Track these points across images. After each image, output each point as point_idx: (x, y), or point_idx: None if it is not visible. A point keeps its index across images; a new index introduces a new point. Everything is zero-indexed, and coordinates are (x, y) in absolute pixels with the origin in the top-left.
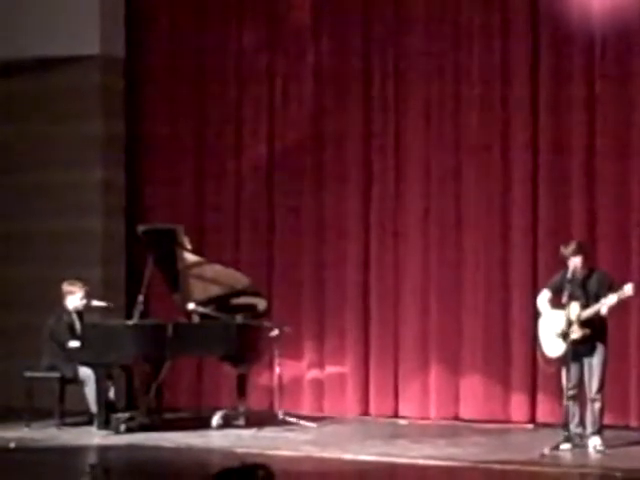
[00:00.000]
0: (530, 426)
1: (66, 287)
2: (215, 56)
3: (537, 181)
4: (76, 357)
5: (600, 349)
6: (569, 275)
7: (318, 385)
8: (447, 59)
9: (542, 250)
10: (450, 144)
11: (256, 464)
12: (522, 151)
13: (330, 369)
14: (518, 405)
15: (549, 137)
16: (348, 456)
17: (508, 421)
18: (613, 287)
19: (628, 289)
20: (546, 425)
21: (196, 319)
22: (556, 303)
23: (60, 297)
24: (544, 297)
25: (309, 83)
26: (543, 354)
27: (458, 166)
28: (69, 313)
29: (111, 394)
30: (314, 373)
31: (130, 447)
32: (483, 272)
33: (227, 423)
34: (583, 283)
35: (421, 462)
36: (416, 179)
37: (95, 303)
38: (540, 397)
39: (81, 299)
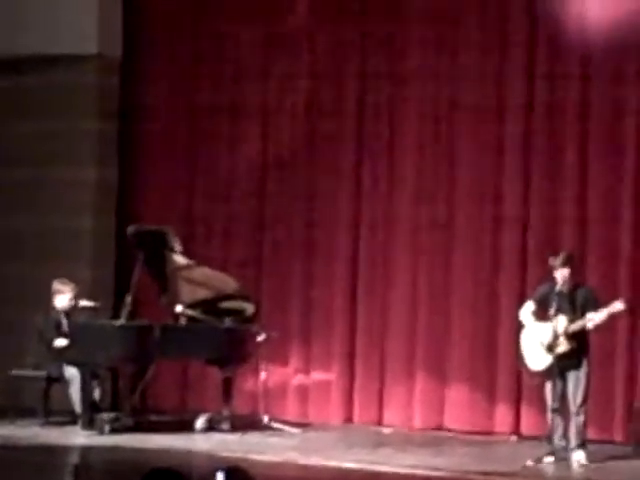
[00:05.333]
0: (514, 438)
1: (56, 286)
2: (211, 56)
3: (529, 191)
4: (62, 356)
5: (585, 363)
6: (558, 287)
7: (303, 391)
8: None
9: (531, 261)
10: (444, 145)
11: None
12: (515, 153)
13: (315, 375)
14: (502, 416)
15: (543, 139)
16: (332, 463)
17: (492, 432)
18: (598, 304)
19: (619, 305)
20: (530, 437)
21: (184, 322)
22: (540, 316)
23: (48, 295)
24: (528, 309)
25: (304, 82)
26: (525, 367)
27: (450, 167)
28: (57, 312)
29: (96, 394)
30: (299, 379)
31: (113, 448)
32: (471, 282)
33: (211, 426)
34: (570, 296)
35: (404, 471)
36: (408, 183)
37: (83, 303)
38: (524, 409)
39: (70, 299)
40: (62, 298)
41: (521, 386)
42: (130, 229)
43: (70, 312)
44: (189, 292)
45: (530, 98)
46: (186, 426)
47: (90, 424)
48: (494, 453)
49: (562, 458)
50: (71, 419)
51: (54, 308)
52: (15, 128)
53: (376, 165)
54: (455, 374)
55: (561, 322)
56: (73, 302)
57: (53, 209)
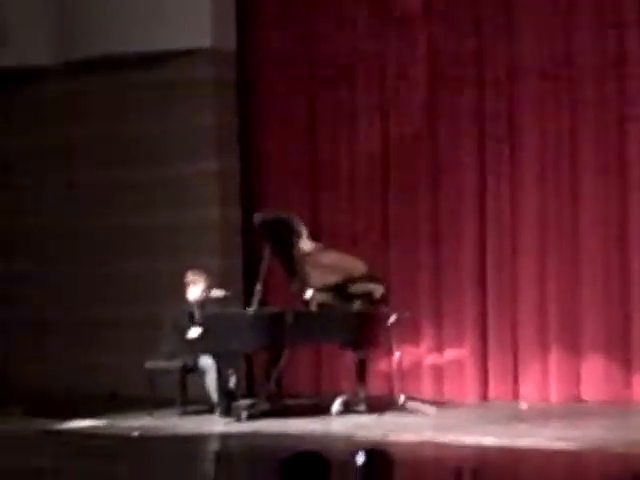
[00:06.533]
0: None
1: (190, 277)
2: (326, 46)
3: None
4: (197, 346)
5: None
6: None
7: (437, 369)
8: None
9: None
10: (566, 127)
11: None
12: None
13: (449, 353)
14: None
15: None
16: (470, 440)
17: (630, 402)
18: None
19: None
20: None
21: (314, 307)
22: None
23: (181, 287)
24: None
25: (421, 74)
26: None
27: (574, 137)
28: (190, 302)
29: (232, 382)
30: (433, 357)
31: (252, 434)
32: (601, 252)
33: (347, 409)
34: None
35: (544, 445)
36: (532, 162)
37: (215, 293)
38: None
39: (203, 290)
40: (195, 289)
41: None
42: (256, 218)
43: (203, 302)
44: (318, 277)
45: None
46: (322, 409)
47: (227, 412)
48: (634, 423)
49: None
50: (208, 408)
51: (188, 299)
52: (135, 127)
53: (499, 151)
54: (589, 345)
55: None
56: (206, 292)
57: (179, 204)
